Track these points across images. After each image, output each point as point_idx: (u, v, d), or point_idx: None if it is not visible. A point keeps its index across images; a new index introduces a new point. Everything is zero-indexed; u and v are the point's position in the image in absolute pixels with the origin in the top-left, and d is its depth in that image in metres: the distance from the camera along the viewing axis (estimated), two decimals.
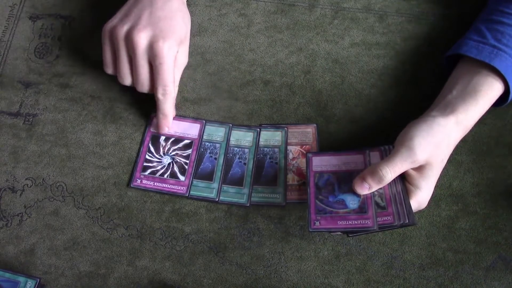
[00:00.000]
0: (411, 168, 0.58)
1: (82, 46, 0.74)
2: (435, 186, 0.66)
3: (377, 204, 0.57)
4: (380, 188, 0.58)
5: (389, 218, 0.56)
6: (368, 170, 0.58)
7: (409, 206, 0.56)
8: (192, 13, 0.76)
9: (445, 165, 0.60)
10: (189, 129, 0.69)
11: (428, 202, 0.59)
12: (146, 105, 0.70)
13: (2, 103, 0.71)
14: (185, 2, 0.70)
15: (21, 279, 0.59)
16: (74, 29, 0.75)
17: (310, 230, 0.57)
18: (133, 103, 0.71)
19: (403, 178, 0.59)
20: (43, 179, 0.67)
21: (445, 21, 0.75)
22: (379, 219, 0.56)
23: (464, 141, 0.67)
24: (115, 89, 0.72)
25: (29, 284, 0.59)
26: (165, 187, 0.65)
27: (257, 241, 0.64)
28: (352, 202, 0.58)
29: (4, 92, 0.71)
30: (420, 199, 0.58)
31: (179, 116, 0.70)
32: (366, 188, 0.57)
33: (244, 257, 0.63)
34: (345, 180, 0.59)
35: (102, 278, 0.62)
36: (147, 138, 0.68)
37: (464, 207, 0.65)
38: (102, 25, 0.66)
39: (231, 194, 0.65)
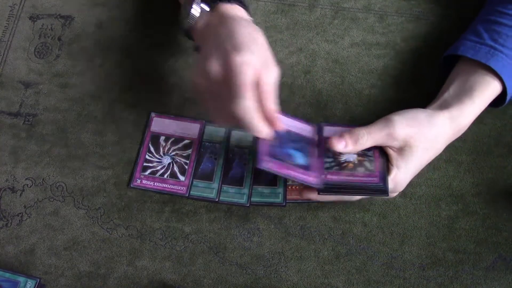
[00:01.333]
0: (392, 149, 0.59)
1: (82, 46, 0.74)
2: (434, 186, 0.66)
3: (366, 167, 0.58)
4: (371, 156, 0.59)
5: (375, 179, 0.57)
6: (348, 131, 0.59)
7: (387, 179, 0.58)
8: None
9: (434, 161, 0.61)
10: (189, 129, 0.69)
11: (403, 190, 0.61)
12: (146, 105, 0.70)
13: (2, 103, 0.71)
14: (248, 20, 0.63)
15: (21, 279, 0.59)
16: (74, 29, 0.75)
17: (258, 166, 0.57)
18: (133, 103, 0.71)
19: (386, 159, 0.60)
20: (43, 179, 0.67)
21: (445, 21, 0.75)
22: (365, 179, 0.57)
23: (464, 141, 0.67)
24: (115, 89, 0.72)
25: (29, 284, 0.59)
26: (165, 187, 0.65)
27: (257, 241, 0.64)
28: (299, 158, 0.60)
29: (4, 92, 0.71)
30: (397, 179, 0.58)
31: (180, 116, 0.70)
32: (342, 144, 0.58)
33: (244, 257, 0.63)
34: (294, 139, 0.61)
35: (102, 278, 0.62)
36: (147, 138, 0.68)
37: (464, 207, 0.65)
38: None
39: (231, 194, 0.65)
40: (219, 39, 0.58)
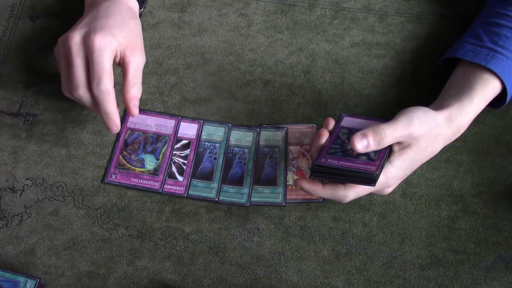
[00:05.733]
0: (400, 145, 0.58)
1: None
2: (434, 186, 0.66)
3: (369, 156, 0.57)
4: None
5: (372, 168, 0.56)
6: (371, 129, 0.56)
7: (381, 171, 0.57)
8: (192, 13, 0.76)
9: (434, 161, 0.61)
10: (187, 129, 0.69)
11: (403, 190, 0.61)
12: (146, 105, 0.70)
13: (2, 103, 0.71)
14: (133, 9, 0.68)
15: (21, 279, 0.59)
16: None
17: (106, 181, 0.65)
18: None
19: (390, 151, 0.58)
20: (43, 179, 0.67)
21: (445, 21, 0.75)
22: (364, 166, 0.56)
23: (464, 141, 0.67)
24: (115, 89, 0.71)
25: (29, 284, 0.59)
26: (165, 188, 0.65)
27: (257, 241, 0.64)
28: (150, 163, 0.66)
29: (4, 92, 0.71)
30: (389, 174, 0.57)
31: (178, 116, 0.70)
32: (364, 146, 0.55)
33: (244, 257, 0.63)
34: (150, 141, 0.65)
35: (102, 278, 0.62)
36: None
37: (464, 207, 0.65)
38: None
39: (231, 194, 0.65)
40: (95, 16, 0.63)
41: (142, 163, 0.66)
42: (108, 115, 0.62)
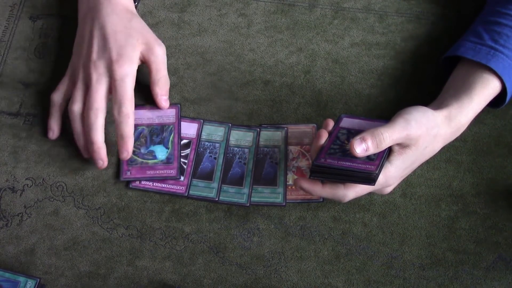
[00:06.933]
0: (399, 146, 0.58)
1: None
2: (434, 186, 0.66)
3: (368, 156, 0.57)
4: None
5: (372, 167, 0.56)
6: (369, 132, 0.56)
7: (381, 170, 0.57)
8: (192, 13, 0.76)
9: (434, 161, 0.61)
10: (187, 129, 0.69)
11: (391, 192, 0.61)
12: (146, 104, 0.70)
13: (2, 103, 0.71)
14: (128, 7, 0.69)
15: (21, 279, 0.59)
16: (74, 29, 0.75)
17: (122, 179, 0.66)
18: None
19: (389, 151, 0.58)
20: (43, 179, 0.67)
21: (445, 21, 0.75)
22: (363, 166, 0.56)
23: (464, 141, 0.67)
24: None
25: (29, 284, 0.59)
26: (164, 187, 0.65)
27: (257, 241, 0.64)
28: (161, 154, 0.66)
29: (4, 92, 0.71)
30: (388, 173, 0.57)
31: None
32: (363, 150, 0.55)
33: (244, 257, 0.63)
34: (156, 133, 0.66)
35: (102, 278, 0.62)
36: None
37: (464, 207, 0.65)
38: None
39: (231, 194, 0.65)
40: (97, 34, 0.65)
41: (153, 154, 0.66)
42: (123, 138, 0.64)
